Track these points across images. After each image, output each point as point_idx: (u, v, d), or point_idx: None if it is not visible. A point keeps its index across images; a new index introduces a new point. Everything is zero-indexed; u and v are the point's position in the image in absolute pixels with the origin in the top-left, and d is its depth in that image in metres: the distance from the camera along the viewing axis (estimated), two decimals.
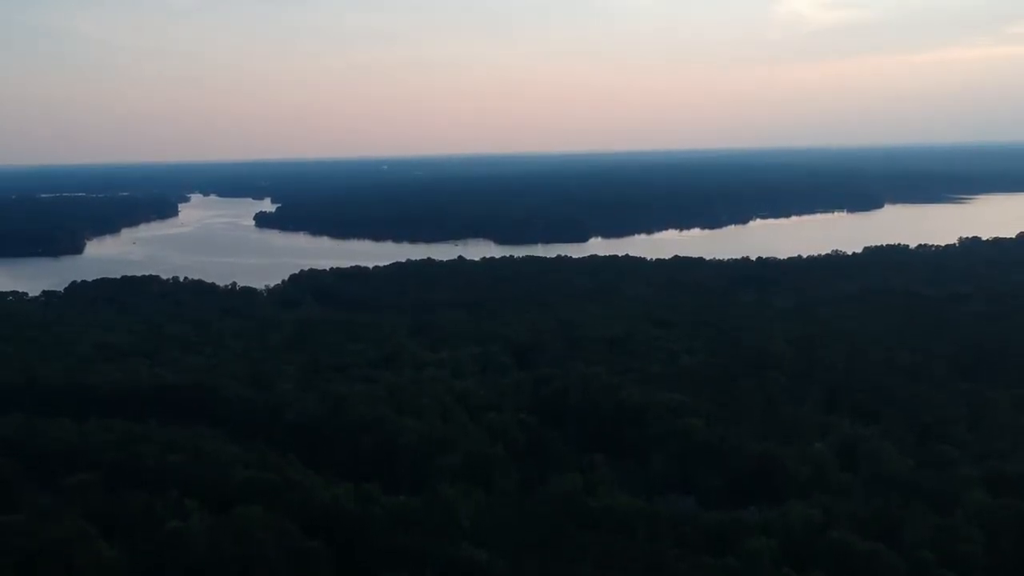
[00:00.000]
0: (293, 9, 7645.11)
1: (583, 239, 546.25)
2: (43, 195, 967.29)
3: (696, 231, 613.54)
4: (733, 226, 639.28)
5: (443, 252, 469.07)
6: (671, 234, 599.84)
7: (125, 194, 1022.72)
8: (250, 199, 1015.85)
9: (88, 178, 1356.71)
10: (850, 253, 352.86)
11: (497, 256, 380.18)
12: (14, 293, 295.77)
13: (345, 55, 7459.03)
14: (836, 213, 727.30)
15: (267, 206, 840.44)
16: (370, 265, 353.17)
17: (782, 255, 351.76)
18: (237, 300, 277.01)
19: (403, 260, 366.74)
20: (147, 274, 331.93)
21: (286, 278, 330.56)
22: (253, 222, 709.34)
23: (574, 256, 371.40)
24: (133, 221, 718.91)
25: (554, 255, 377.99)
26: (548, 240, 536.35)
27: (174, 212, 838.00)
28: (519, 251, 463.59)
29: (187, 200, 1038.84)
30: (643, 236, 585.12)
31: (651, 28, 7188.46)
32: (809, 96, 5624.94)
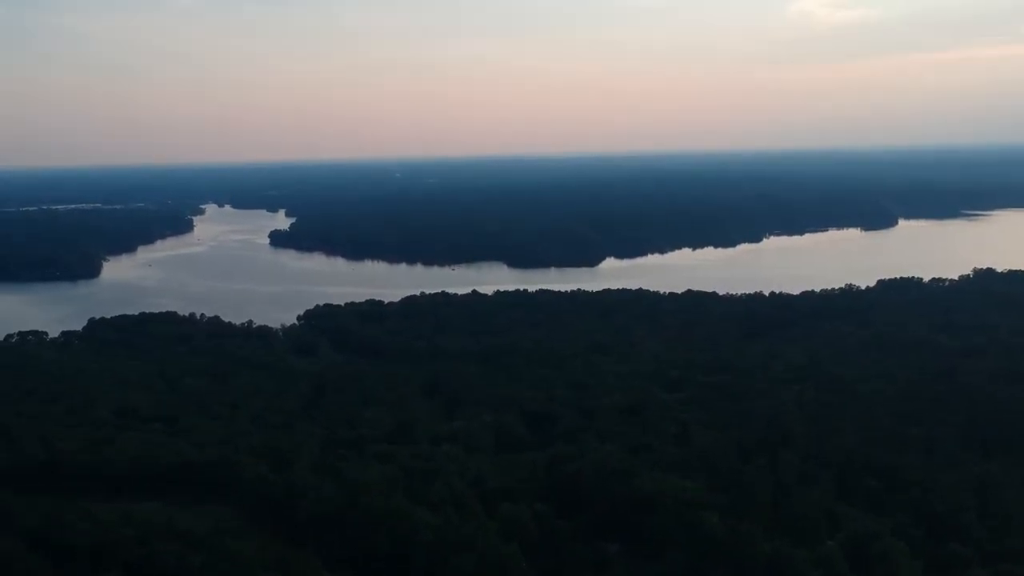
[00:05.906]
0: (303, 9, 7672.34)
1: (596, 262, 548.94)
2: (58, 207, 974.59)
3: (709, 250, 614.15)
4: (746, 245, 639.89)
5: (456, 278, 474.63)
6: (684, 254, 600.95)
7: (140, 205, 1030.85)
8: (264, 211, 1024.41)
9: (102, 184, 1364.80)
10: (863, 287, 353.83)
11: (511, 288, 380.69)
12: (34, 333, 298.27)
13: (357, 56, 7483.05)
14: (850, 230, 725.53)
15: (281, 221, 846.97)
16: (384, 299, 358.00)
17: (795, 289, 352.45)
18: (253, 345, 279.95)
19: (416, 293, 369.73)
20: (164, 311, 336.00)
21: (301, 313, 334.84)
22: (268, 240, 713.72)
23: (588, 289, 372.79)
24: (148, 238, 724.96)
25: (568, 288, 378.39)
26: (561, 262, 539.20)
27: (189, 228, 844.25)
28: (532, 277, 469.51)
29: (202, 212, 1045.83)
30: (656, 256, 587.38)
31: (661, 27, 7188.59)
32: (821, 97, 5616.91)
